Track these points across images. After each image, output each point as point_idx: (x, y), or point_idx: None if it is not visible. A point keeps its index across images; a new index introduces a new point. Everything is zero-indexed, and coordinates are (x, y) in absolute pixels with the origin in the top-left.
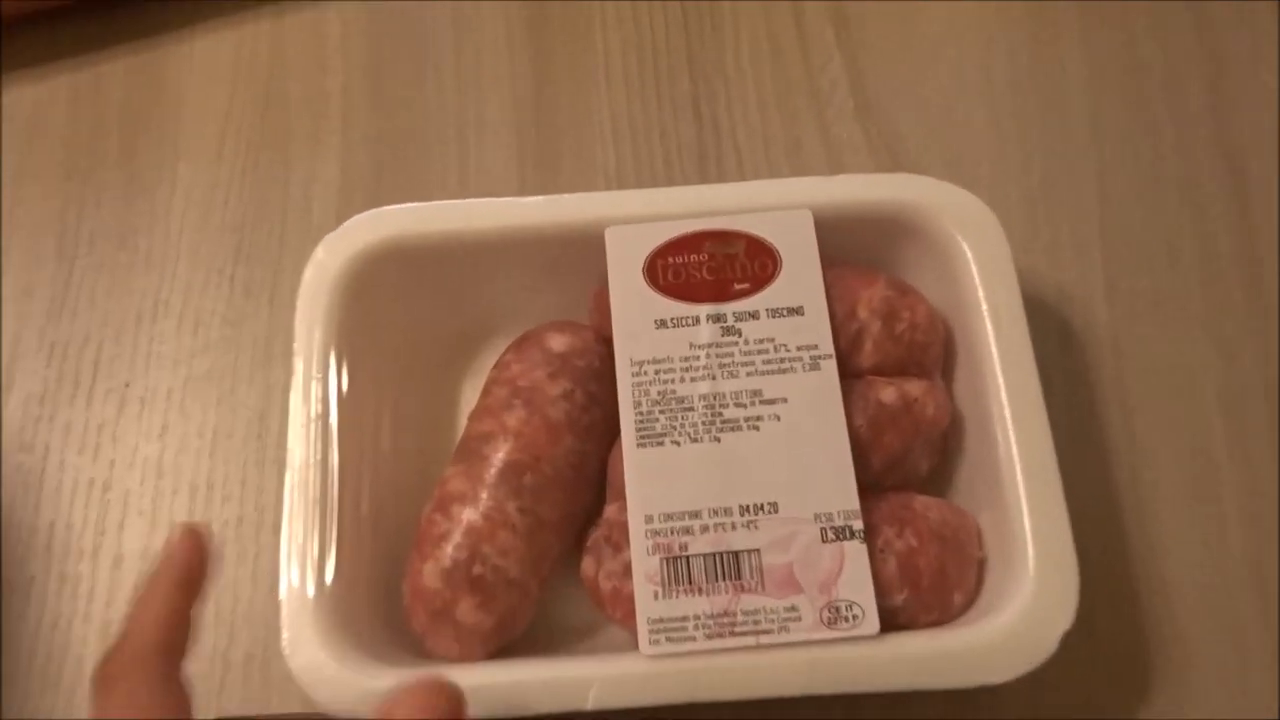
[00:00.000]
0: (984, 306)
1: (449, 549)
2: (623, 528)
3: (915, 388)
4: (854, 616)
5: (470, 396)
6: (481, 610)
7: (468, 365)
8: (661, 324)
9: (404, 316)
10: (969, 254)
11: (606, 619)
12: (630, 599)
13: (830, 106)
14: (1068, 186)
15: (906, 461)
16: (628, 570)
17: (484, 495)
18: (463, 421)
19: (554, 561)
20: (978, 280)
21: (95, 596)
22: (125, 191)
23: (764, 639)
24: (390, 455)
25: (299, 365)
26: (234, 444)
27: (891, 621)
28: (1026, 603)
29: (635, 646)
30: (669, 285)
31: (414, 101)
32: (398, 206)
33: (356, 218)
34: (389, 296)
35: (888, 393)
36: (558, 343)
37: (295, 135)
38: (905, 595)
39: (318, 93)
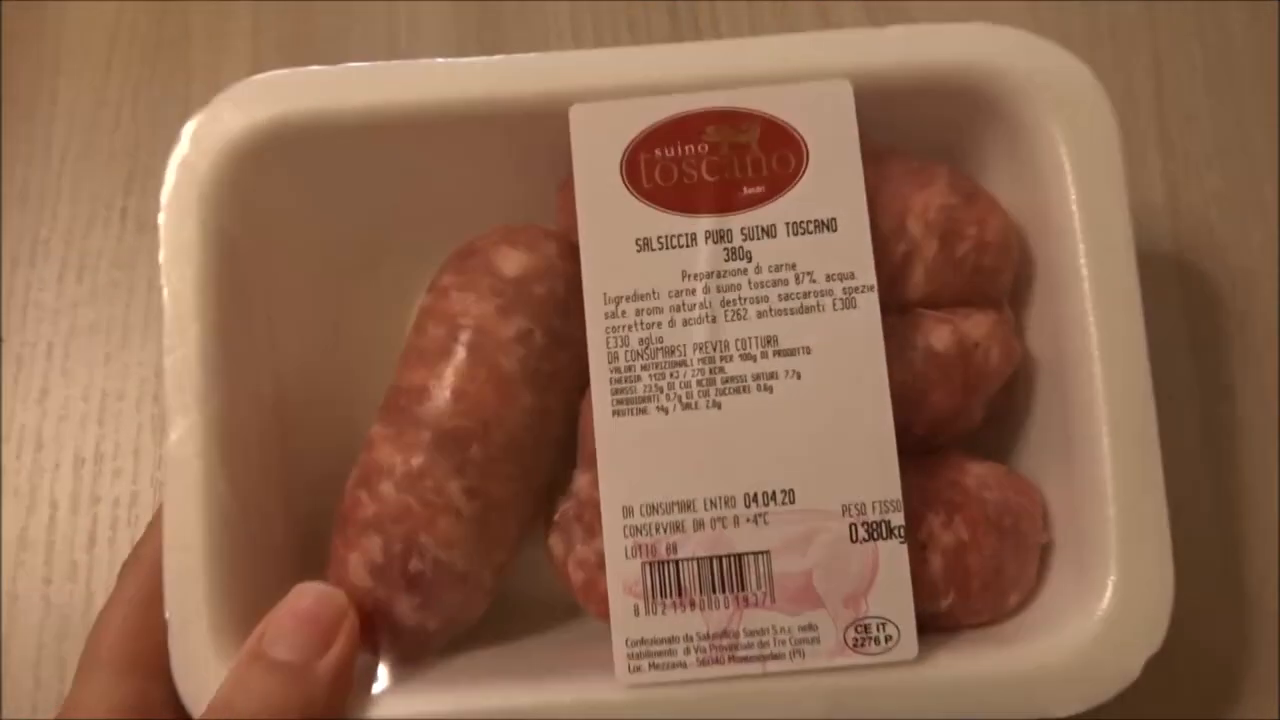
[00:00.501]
0: (1077, 218)
1: (378, 539)
2: (597, 509)
3: (977, 327)
4: (887, 638)
5: (399, 321)
6: (423, 610)
7: (397, 282)
8: (645, 245)
9: (306, 226)
10: (1063, 145)
11: (583, 608)
12: (605, 594)
13: None
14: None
15: (957, 419)
16: (603, 561)
17: (419, 472)
18: (391, 356)
19: (513, 543)
20: (1072, 182)
21: None
22: None
23: (772, 665)
24: (300, 406)
25: (168, 306)
26: (125, 408)
27: (929, 624)
28: (1104, 615)
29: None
30: (656, 189)
31: None
32: (287, 72)
33: (230, 90)
34: (284, 199)
35: (940, 335)
36: (511, 262)
37: (196, 41)
38: (950, 600)
39: None
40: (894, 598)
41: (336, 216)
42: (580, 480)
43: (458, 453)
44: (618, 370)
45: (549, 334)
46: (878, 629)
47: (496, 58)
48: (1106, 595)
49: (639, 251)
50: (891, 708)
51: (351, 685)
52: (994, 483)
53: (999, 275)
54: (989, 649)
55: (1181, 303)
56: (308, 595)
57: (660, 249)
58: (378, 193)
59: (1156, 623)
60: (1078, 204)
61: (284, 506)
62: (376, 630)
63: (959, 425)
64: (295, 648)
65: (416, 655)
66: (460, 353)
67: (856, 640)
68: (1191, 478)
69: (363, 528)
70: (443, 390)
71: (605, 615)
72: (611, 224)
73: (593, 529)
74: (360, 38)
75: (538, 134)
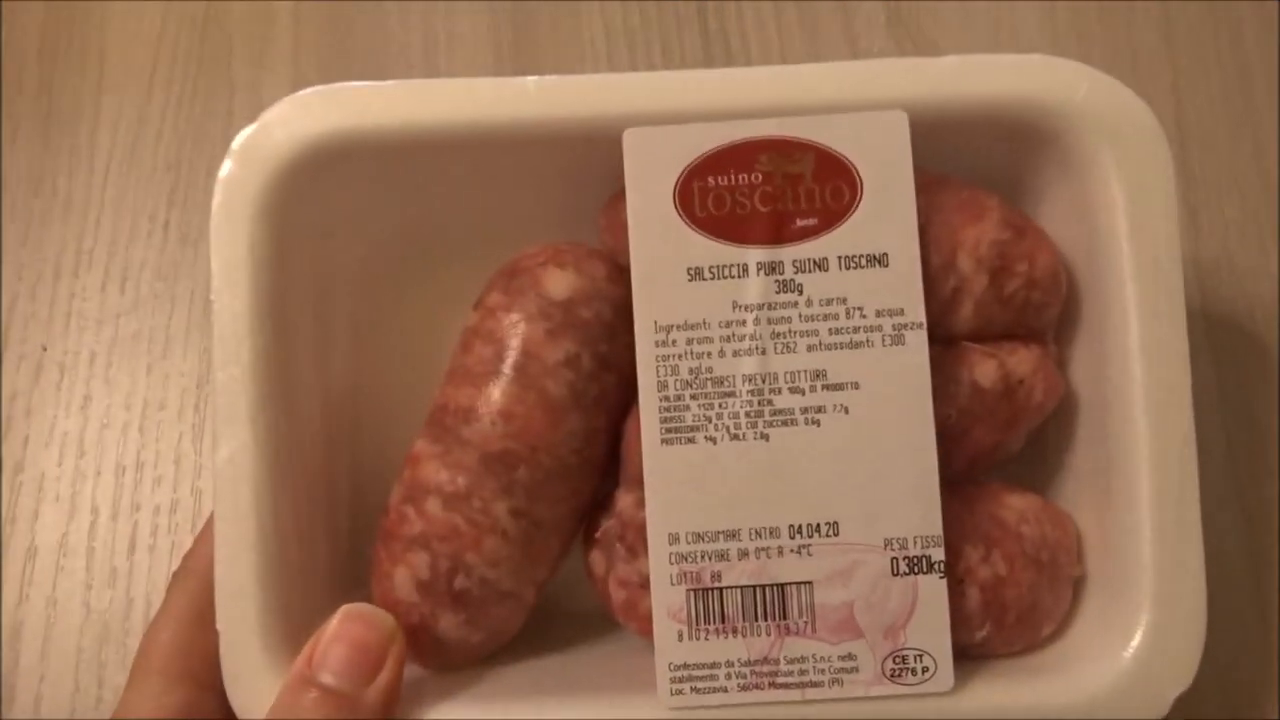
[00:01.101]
0: (1128, 255)
1: (425, 556)
2: (640, 530)
3: (1022, 363)
4: (924, 670)
5: (448, 328)
6: (467, 626)
7: (442, 299)
8: (697, 274)
9: (353, 242)
10: (1117, 181)
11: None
12: (648, 614)
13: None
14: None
15: (997, 452)
16: (645, 582)
17: (466, 491)
18: (438, 364)
19: (555, 561)
20: (1125, 218)
21: (3, 595)
22: (41, 127)
23: (811, 693)
24: (346, 422)
25: (219, 320)
26: (167, 417)
27: (964, 653)
28: (1136, 652)
29: (653, 649)
30: (709, 218)
31: (375, 13)
32: (336, 87)
33: (277, 106)
34: (332, 216)
35: (986, 371)
36: (559, 284)
37: (238, 56)
38: (986, 631)
39: (263, 6)
40: (932, 630)
41: (381, 233)
42: (624, 500)
43: (505, 474)
44: (667, 399)
45: (596, 358)
46: (915, 660)
47: (548, 78)
48: (1139, 633)
49: (690, 281)
50: None
51: (398, 707)
52: (1032, 516)
53: (1046, 310)
54: (1022, 680)
55: (1204, 332)
56: (357, 621)
57: (712, 279)
58: (422, 209)
59: (1187, 663)
60: (1129, 241)
61: (330, 521)
62: (420, 644)
63: (998, 457)
64: (345, 675)
65: (458, 666)
66: (508, 374)
67: (894, 671)
68: (1215, 492)
69: (409, 544)
70: (491, 412)
71: (646, 633)
72: (664, 252)
73: (635, 549)
74: (399, 52)
75: (586, 155)
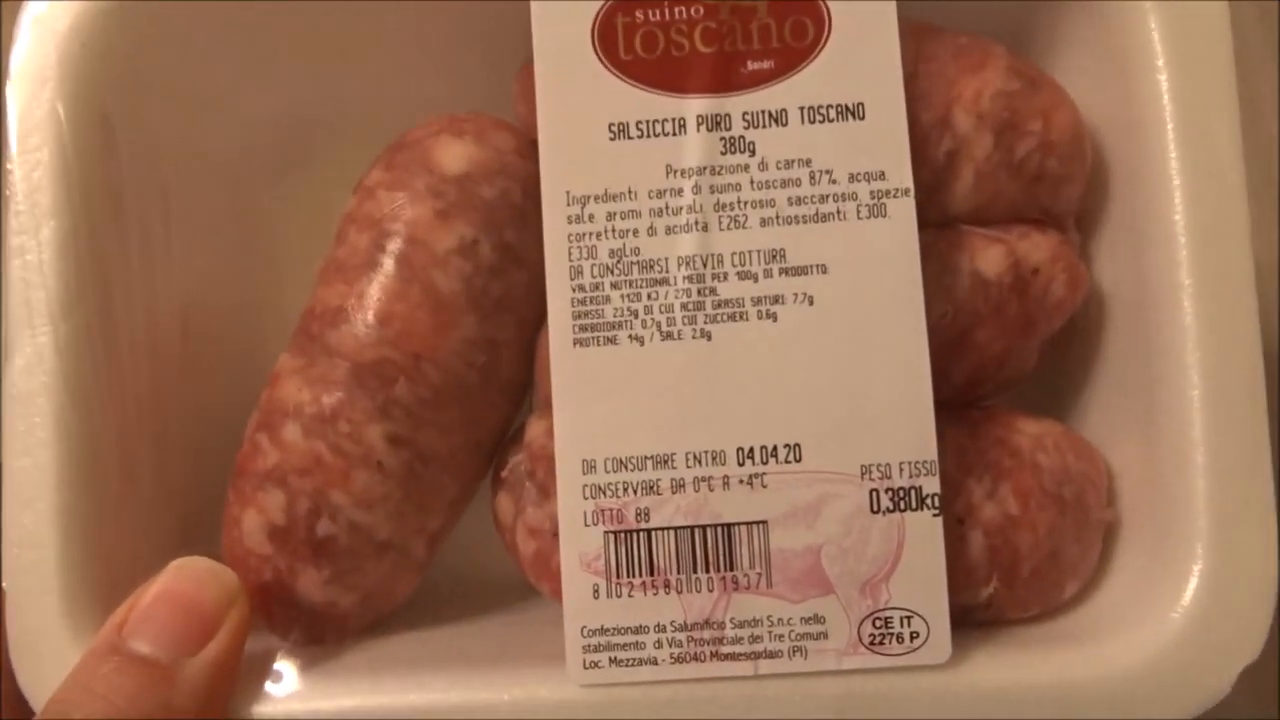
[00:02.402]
0: (1171, 119)
1: (280, 496)
2: (552, 463)
3: (1037, 249)
4: (912, 635)
5: (326, 236)
6: (334, 585)
7: (324, 190)
8: (620, 131)
9: (211, 115)
10: (1156, 26)
11: (534, 587)
12: (557, 565)
13: None
14: None
15: (1006, 365)
16: (555, 526)
17: (332, 413)
18: (307, 275)
19: (451, 507)
20: (1166, 73)
21: None
22: None
23: (766, 666)
24: (200, 337)
25: (16, 198)
26: None
27: (965, 618)
28: (1186, 613)
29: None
30: (636, 62)
31: None
32: None
33: None
34: (180, 79)
35: (992, 258)
36: (453, 156)
37: None
38: (993, 589)
39: None
40: (923, 585)
41: (250, 106)
42: (534, 429)
43: (381, 390)
44: (581, 289)
45: (500, 248)
46: (901, 623)
47: None
48: (1190, 588)
49: (613, 140)
50: None
51: (233, 684)
52: (1051, 444)
53: (1066, 185)
54: (1039, 652)
55: None
56: (187, 575)
57: (640, 137)
58: (301, 79)
59: (1253, 625)
60: (1172, 100)
61: (168, 456)
62: (275, 608)
63: (1008, 372)
64: (162, 641)
65: (327, 638)
66: (387, 266)
67: (874, 637)
68: None
69: (261, 481)
70: (364, 312)
71: (559, 596)
72: (579, 105)
73: (548, 489)
74: None
75: (495, 11)
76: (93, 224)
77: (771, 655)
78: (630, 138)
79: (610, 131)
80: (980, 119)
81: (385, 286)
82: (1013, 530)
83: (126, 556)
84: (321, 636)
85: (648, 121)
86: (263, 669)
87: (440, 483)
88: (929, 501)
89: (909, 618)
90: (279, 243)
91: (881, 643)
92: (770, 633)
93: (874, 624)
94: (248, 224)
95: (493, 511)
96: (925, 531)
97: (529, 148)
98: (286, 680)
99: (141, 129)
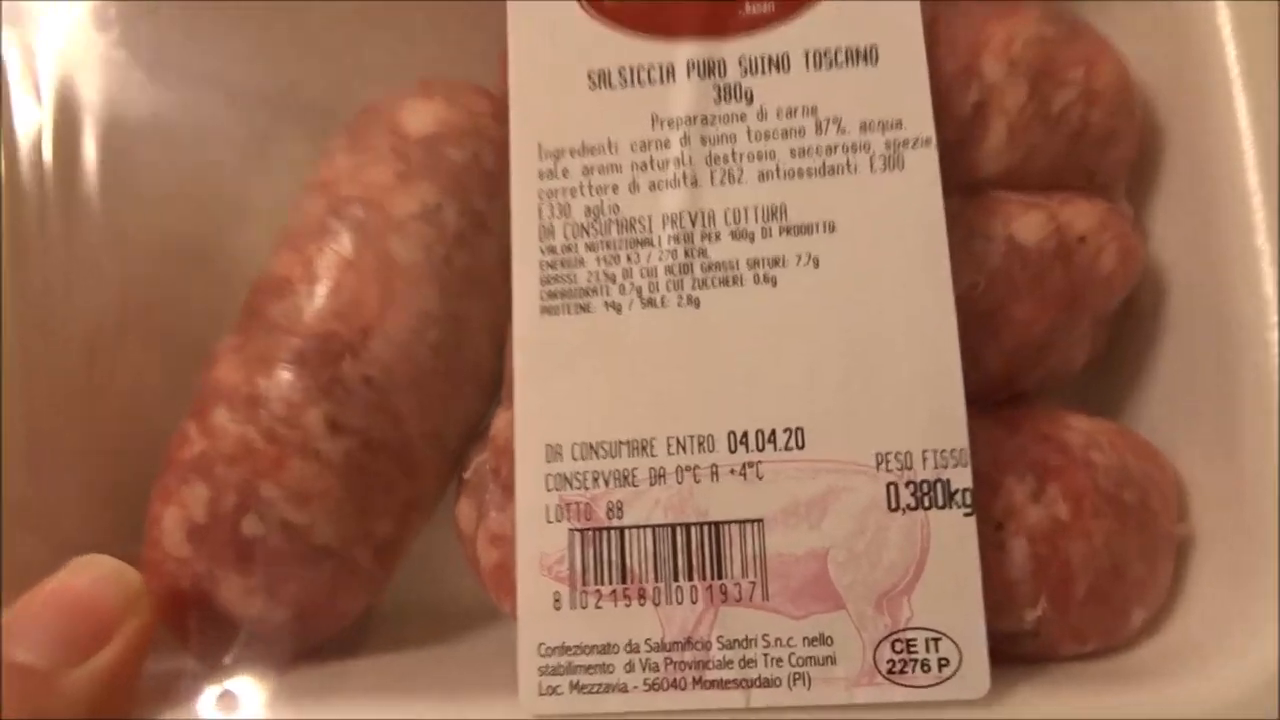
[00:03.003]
0: (1235, 68)
1: (203, 489)
2: (511, 451)
3: (1082, 215)
4: (941, 662)
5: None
6: (261, 596)
7: (293, 174)
8: (602, 80)
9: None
10: None
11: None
12: None
13: None
14: None
15: (1050, 353)
16: None
17: (267, 393)
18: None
19: (405, 511)
20: (1229, 23)
21: None
22: None
23: (761, 697)
24: (142, 314)
25: None
26: None
27: (1005, 650)
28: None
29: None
30: (619, 6)
31: None
32: None
33: None
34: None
35: (1030, 224)
36: (420, 116)
37: None
38: (1040, 611)
39: None
40: (954, 600)
41: (211, 82)
42: (500, 419)
43: (324, 369)
44: (552, 250)
45: (468, 215)
46: (927, 647)
47: None
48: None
49: (593, 89)
50: None
51: (126, 701)
52: (1106, 442)
53: (1114, 145)
54: (1099, 689)
55: None
56: (83, 574)
57: (623, 86)
58: (271, 58)
59: None
60: (1238, 47)
61: (101, 456)
62: (191, 621)
63: (1053, 364)
64: (44, 646)
65: (252, 660)
66: (339, 232)
67: (893, 664)
68: None
69: (185, 473)
70: (310, 282)
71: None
72: (554, 51)
73: (511, 488)
74: None
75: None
76: (23, 204)
77: (767, 684)
78: (612, 86)
79: (589, 80)
80: (1012, 66)
81: (336, 254)
82: (1063, 538)
83: (33, 556)
84: (245, 657)
85: (631, 68)
86: (170, 690)
87: (390, 479)
88: (959, 498)
89: (936, 640)
90: (238, 229)
91: (903, 671)
92: (766, 656)
93: (893, 647)
94: (204, 206)
95: (454, 519)
96: (955, 534)
97: (506, 113)
98: (196, 704)
99: (76, 96)
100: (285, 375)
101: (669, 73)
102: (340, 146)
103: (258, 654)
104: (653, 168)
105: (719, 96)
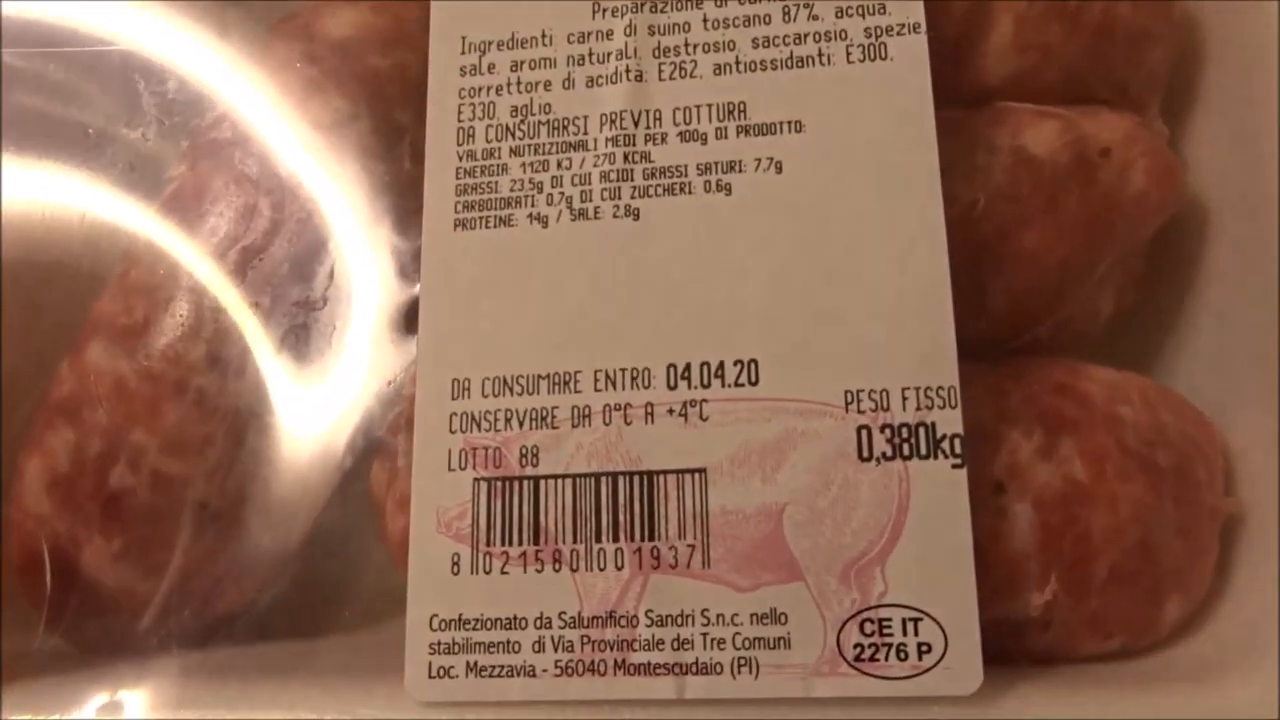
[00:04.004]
0: None
1: (69, 435)
2: None
3: (1107, 127)
4: (921, 648)
5: None
6: (129, 563)
7: None
8: None
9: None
10: None
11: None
12: None
13: None
14: None
15: (1068, 296)
16: None
17: (144, 323)
18: None
19: (311, 473)
20: None
21: None
22: None
23: (697, 686)
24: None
25: None
26: None
27: (1007, 644)
28: None
29: None
30: None
31: None
32: None
33: None
34: None
35: (1043, 134)
36: (340, 21)
37: None
38: (1049, 595)
39: None
40: (938, 571)
41: None
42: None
43: (215, 294)
44: (471, 156)
45: (390, 128)
46: (904, 629)
47: None
48: None
49: None
50: None
51: None
52: (1137, 396)
53: (1146, 47)
54: (1117, 692)
55: None
56: None
57: None
58: None
59: None
60: None
61: None
62: (52, 589)
63: (1072, 311)
64: None
65: (119, 638)
66: (239, 143)
67: (862, 648)
68: None
69: (51, 417)
70: (203, 195)
71: None
72: None
73: None
74: None
75: None
76: None
77: (704, 670)
78: None
79: None
80: None
81: (229, 164)
82: (1080, 506)
83: None
84: (111, 634)
85: None
86: (22, 668)
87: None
88: (946, 445)
89: (915, 621)
90: None
91: (873, 658)
92: (704, 636)
93: (862, 628)
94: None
95: (369, 483)
96: (942, 490)
97: None
98: (52, 685)
99: None
100: (170, 304)
101: None
102: (254, 55)
103: (128, 632)
104: (591, 61)
105: None
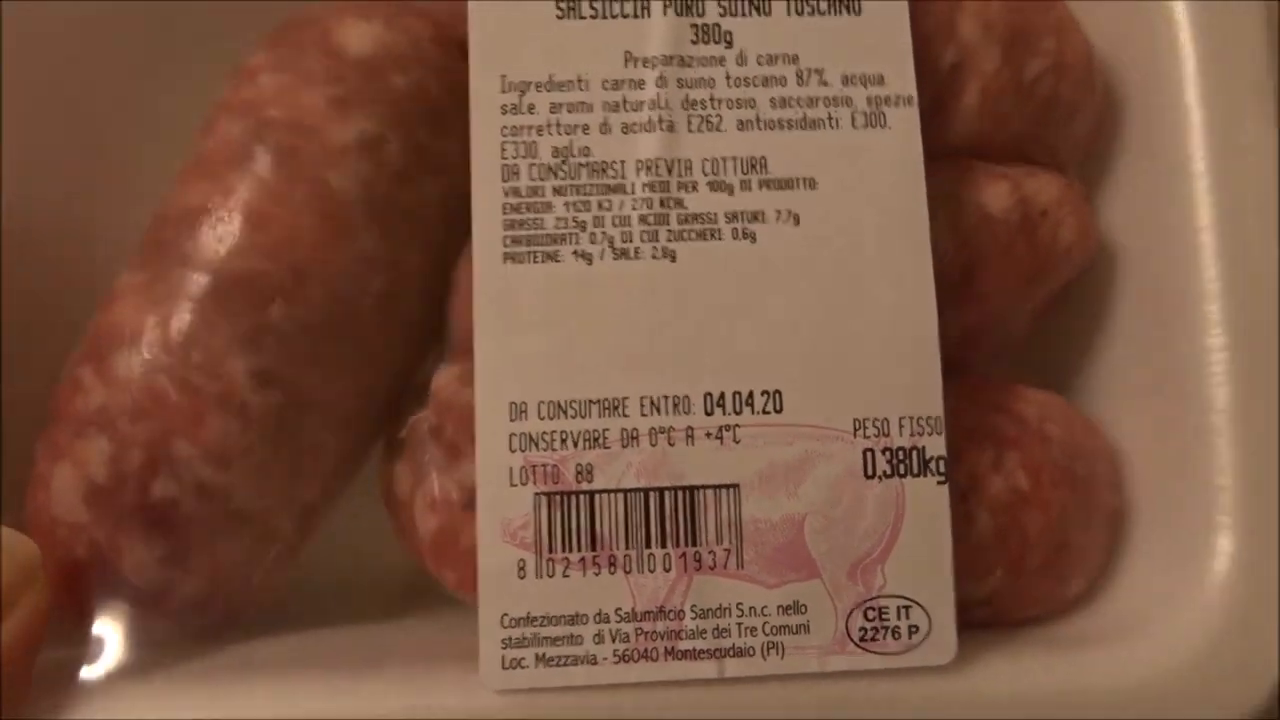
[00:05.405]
0: (1188, 48)
1: (104, 445)
2: (464, 416)
3: (1045, 188)
4: (911, 629)
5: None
6: (171, 565)
7: (193, 85)
8: (571, 10)
9: None
10: None
11: (434, 578)
12: (467, 546)
13: None
14: None
15: (1001, 322)
16: (472, 500)
17: (184, 338)
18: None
19: (332, 474)
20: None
21: None
22: None
23: (734, 667)
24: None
25: None
26: None
27: (960, 617)
28: (1221, 598)
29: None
30: None
31: None
32: None
33: None
34: None
35: (998, 192)
36: (359, 36)
37: None
38: (997, 579)
39: None
40: (926, 568)
41: None
42: (444, 375)
43: (250, 314)
44: (516, 193)
45: (411, 149)
46: (898, 615)
47: None
48: (1220, 570)
49: (561, 18)
50: None
51: (23, 688)
52: (1059, 415)
53: (1076, 117)
54: (1060, 654)
55: None
56: None
57: (594, 17)
58: None
59: None
60: (1193, 27)
61: None
62: (91, 595)
63: (999, 336)
64: None
65: (163, 636)
66: (266, 161)
67: (865, 631)
68: None
69: (80, 426)
70: (231, 214)
71: (469, 588)
72: None
73: (459, 448)
74: None
75: None
76: None
77: (740, 654)
78: (582, 17)
79: (559, 9)
80: (988, 29)
81: (263, 184)
82: (1022, 510)
83: None
84: (153, 635)
85: None
86: (70, 670)
87: (320, 440)
88: (933, 466)
89: (907, 608)
90: (134, 146)
91: (874, 638)
92: (740, 625)
93: (865, 615)
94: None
95: (383, 484)
96: (929, 503)
97: (452, 44)
98: (101, 685)
99: None
100: (205, 318)
101: (644, 7)
102: (264, 64)
103: (164, 630)
104: (626, 108)
105: (696, 37)
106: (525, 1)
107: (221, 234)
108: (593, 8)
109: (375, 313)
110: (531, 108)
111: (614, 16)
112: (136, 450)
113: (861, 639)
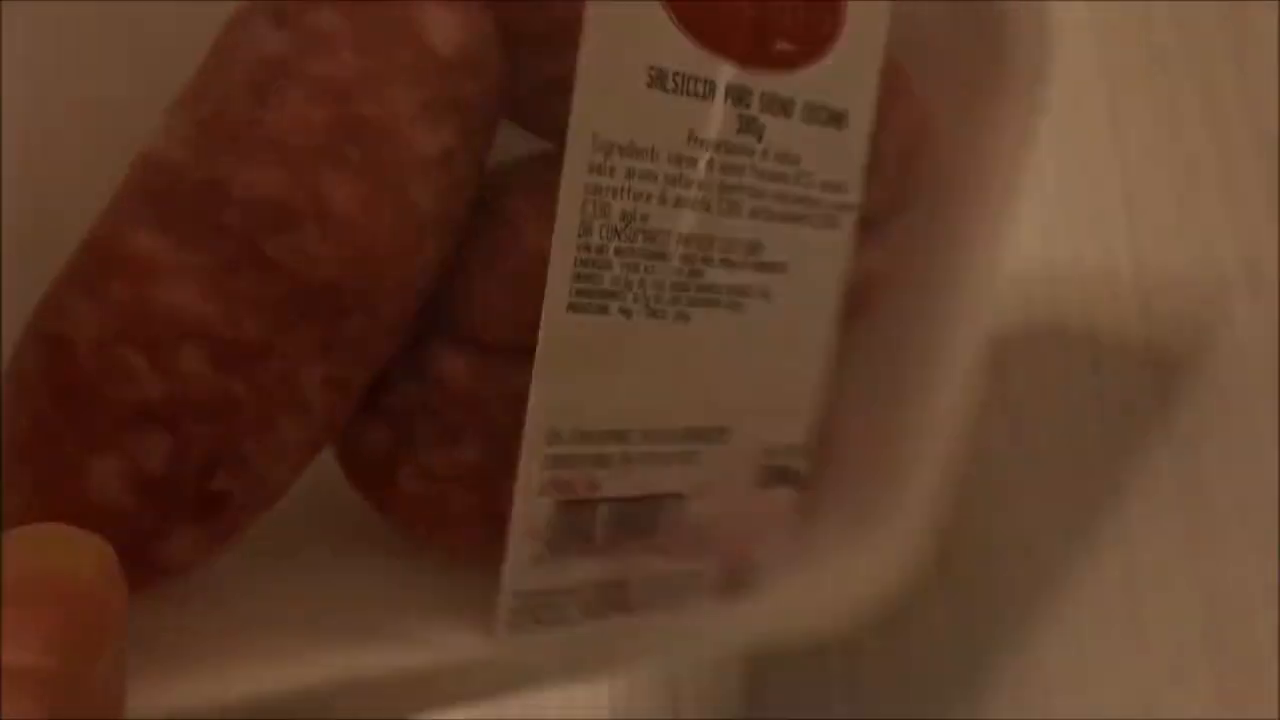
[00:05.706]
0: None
1: (165, 440)
2: (473, 406)
3: (873, 255)
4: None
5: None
6: (210, 544)
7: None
8: (658, 80)
9: None
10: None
11: (387, 519)
12: (463, 521)
13: None
14: None
15: None
16: (466, 475)
17: (265, 344)
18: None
19: (325, 443)
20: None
21: None
22: None
23: (646, 614)
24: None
25: None
26: None
27: None
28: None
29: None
30: (692, 13)
31: None
32: None
33: None
34: None
35: (873, 261)
36: (447, 33)
37: None
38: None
39: None
40: (777, 545)
41: None
42: (451, 362)
43: (330, 324)
44: (588, 249)
45: (473, 162)
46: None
47: None
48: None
49: (649, 87)
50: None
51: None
52: None
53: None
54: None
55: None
56: (52, 549)
57: (674, 92)
58: None
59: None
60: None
61: None
62: (132, 575)
63: None
64: (55, 645)
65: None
66: (355, 164)
67: (727, 585)
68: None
69: (131, 416)
70: (322, 220)
71: (452, 543)
72: (626, 39)
73: (458, 433)
74: None
75: None
76: None
77: (658, 606)
78: (666, 90)
79: (649, 77)
80: (904, 137)
81: (353, 191)
82: None
83: None
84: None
85: (684, 76)
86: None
87: (336, 419)
88: (794, 477)
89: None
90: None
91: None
92: (662, 589)
93: (730, 576)
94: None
95: (345, 444)
96: (788, 501)
97: (502, 40)
98: (175, 664)
99: None
100: (286, 326)
101: (710, 89)
102: (343, 36)
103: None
104: (680, 184)
105: (740, 127)
106: (625, 66)
107: (305, 239)
108: (675, 82)
109: (414, 314)
110: (612, 170)
111: (688, 95)
112: (200, 448)
113: (724, 590)
